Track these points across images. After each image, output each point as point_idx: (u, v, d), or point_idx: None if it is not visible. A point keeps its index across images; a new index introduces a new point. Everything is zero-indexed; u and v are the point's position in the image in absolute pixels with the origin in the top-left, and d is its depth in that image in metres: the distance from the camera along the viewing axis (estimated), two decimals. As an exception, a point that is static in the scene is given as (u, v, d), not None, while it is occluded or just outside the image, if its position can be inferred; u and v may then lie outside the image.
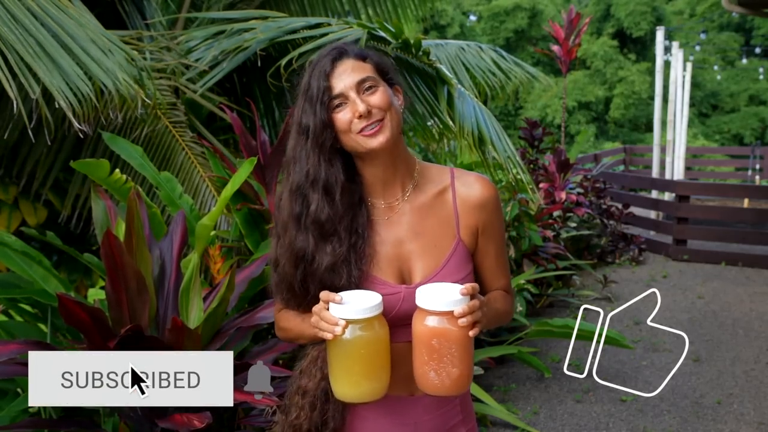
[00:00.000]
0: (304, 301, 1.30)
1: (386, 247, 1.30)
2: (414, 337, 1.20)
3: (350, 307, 1.16)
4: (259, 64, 3.55)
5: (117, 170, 2.55)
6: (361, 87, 1.26)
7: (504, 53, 4.92)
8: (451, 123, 3.27)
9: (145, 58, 3.45)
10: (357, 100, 1.24)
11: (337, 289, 1.24)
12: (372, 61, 1.30)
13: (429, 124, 4.01)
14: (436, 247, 1.30)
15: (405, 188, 1.33)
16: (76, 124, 2.31)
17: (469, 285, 1.17)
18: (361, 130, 1.25)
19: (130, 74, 2.64)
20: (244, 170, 2.62)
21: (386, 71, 1.32)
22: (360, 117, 1.24)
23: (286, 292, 1.32)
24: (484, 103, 4.83)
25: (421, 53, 3.39)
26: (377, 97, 1.26)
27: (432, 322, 1.17)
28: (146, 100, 2.69)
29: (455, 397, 1.35)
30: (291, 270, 1.29)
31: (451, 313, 1.15)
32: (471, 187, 1.33)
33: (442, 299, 1.16)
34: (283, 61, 3.27)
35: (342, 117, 1.25)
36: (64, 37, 2.59)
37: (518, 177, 3.50)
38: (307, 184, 1.27)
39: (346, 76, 1.26)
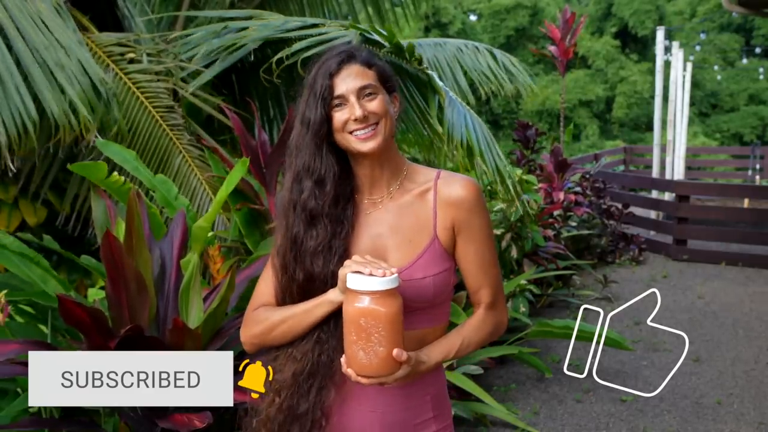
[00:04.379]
0: (293, 285, 1.37)
1: (364, 240, 1.37)
2: (344, 318, 1.24)
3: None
4: (252, 58, 3.56)
5: (115, 173, 2.56)
6: (362, 92, 1.32)
7: (499, 54, 4.91)
8: (440, 130, 3.29)
9: (141, 61, 3.46)
10: (355, 105, 1.31)
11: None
12: (376, 69, 1.36)
13: (424, 134, 4.00)
14: (411, 243, 1.36)
15: (390, 187, 1.39)
16: (9, 161, 2.40)
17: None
18: (354, 131, 1.31)
19: (94, 102, 2.72)
20: (237, 171, 2.62)
21: (387, 79, 1.38)
22: (356, 120, 1.30)
23: (283, 276, 1.38)
24: (486, 102, 4.85)
25: (413, 59, 3.40)
26: (375, 104, 1.32)
27: (360, 302, 1.20)
28: (97, 137, 2.78)
29: (425, 392, 1.39)
30: (288, 254, 1.36)
31: (378, 293, 1.19)
32: (451, 186, 1.37)
33: (370, 280, 1.20)
34: (276, 58, 3.28)
35: (339, 116, 1.32)
36: (27, 60, 2.64)
37: (508, 188, 3.50)
38: (304, 173, 1.35)
39: (350, 80, 1.32)
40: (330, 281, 1.33)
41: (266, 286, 1.43)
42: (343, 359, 1.26)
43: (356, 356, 1.22)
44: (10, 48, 2.66)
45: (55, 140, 2.72)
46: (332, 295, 1.31)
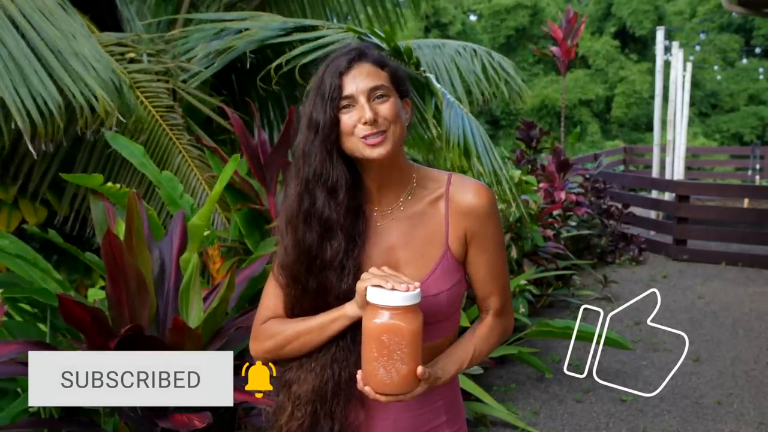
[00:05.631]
0: (305, 297, 1.30)
1: (377, 254, 1.31)
2: (364, 333, 1.18)
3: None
4: (249, 65, 3.57)
5: (109, 183, 2.57)
6: (373, 94, 1.24)
7: (497, 57, 4.91)
8: (435, 133, 3.30)
9: (141, 61, 3.46)
10: (366, 106, 1.23)
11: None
12: (389, 70, 1.28)
13: (425, 136, 4.00)
14: (423, 257, 1.30)
15: (400, 197, 1.32)
16: (29, 145, 2.39)
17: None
18: (364, 137, 1.23)
19: (109, 89, 2.70)
20: (229, 167, 2.62)
21: (401, 82, 1.30)
22: (365, 123, 1.22)
23: (293, 289, 1.31)
24: (485, 102, 4.85)
25: (411, 62, 3.41)
26: (386, 108, 1.24)
27: (382, 317, 1.15)
28: (121, 119, 2.76)
29: (438, 398, 1.36)
30: (298, 266, 1.29)
31: (402, 308, 1.14)
32: (464, 194, 1.31)
33: (393, 295, 1.15)
34: (274, 65, 3.30)
35: (347, 119, 1.24)
36: (42, 50, 2.62)
37: (504, 193, 3.47)
38: (315, 181, 1.26)
39: (360, 80, 1.24)
40: (342, 298, 1.27)
41: (271, 298, 1.37)
42: (359, 375, 1.21)
43: (376, 373, 1.17)
44: (23, 37, 2.64)
45: (77, 126, 2.69)
46: (349, 310, 1.25)
